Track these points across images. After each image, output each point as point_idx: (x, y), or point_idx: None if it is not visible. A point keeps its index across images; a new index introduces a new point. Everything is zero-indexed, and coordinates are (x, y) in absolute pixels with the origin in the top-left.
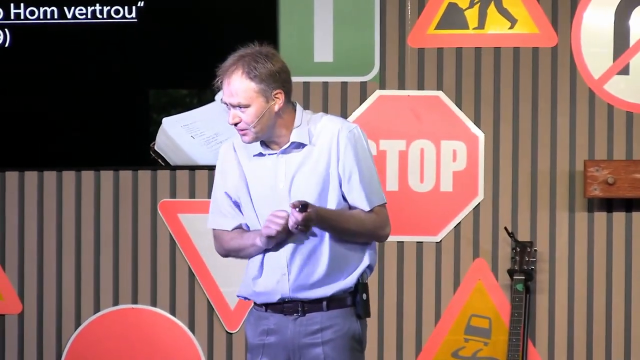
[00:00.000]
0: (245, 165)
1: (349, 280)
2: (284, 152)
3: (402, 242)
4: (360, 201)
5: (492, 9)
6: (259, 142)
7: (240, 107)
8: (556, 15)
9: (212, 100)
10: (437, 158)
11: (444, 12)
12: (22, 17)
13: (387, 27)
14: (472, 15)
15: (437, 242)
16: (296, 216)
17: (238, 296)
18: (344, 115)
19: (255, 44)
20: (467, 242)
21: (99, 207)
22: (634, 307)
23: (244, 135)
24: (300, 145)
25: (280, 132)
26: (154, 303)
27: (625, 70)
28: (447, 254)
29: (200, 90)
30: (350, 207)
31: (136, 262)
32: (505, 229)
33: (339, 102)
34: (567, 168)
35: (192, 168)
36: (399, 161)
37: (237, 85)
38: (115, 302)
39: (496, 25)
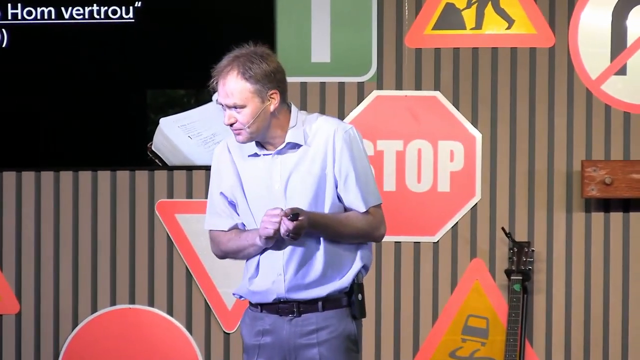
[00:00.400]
0: (240, 166)
1: (345, 281)
2: (280, 152)
3: (400, 242)
4: (356, 202)
5: (489, 10)
6: (254, 143)
7: (236, 108)
8: (553, 16)
9: (210, 100)
10: (435, 158)
11: (442, 12)
12: (19, 17)
13: (384, 27)
14: (469, 16)
15: (434, 242)
16: (287, 225)
17: (234, 294)
18: (342, 115)
19: (250, 44)
20: (465, 242)
21: (96, 207)
22: (631, 307)
23: (238, 135)
24: (295, 146)
25: (276, 132)
26: (151, 303)
27: (622, 71)
28: (445, 254)
29: (197, 91)
30: (346, 208)
31: (133, 262)
32: (503, 229)
33: (337, 103)
34: (565, 168)
35: (190, 168)
36: (397, 161)
37: (233, 85)
38: (113, 302)
39: (493, 26)
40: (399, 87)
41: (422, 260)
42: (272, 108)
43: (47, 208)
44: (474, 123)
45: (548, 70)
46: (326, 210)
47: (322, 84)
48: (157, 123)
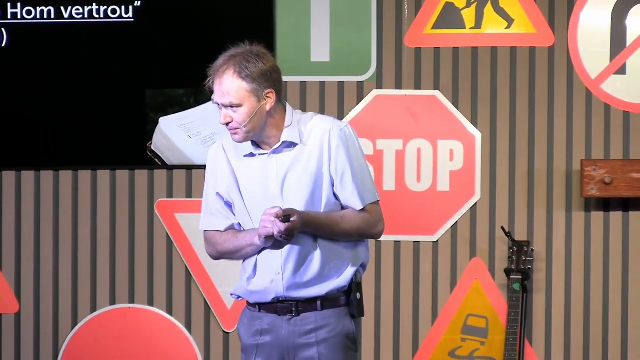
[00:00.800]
0: (236, 166)
1: (343, 279)
2: (275, 151)
3: (399, 241)
4: (352, 200)
5: (488, 9)
6: (249, 142)
7: (232, 107)
8: (553, 15)
9: (209, 99)
10: (434, 157)
11: (441, 11)
12: (19, 16)
13: (384, 26)
14: (469, 15)
15: (434, 242)
16: (279, 226)
17: (232, 295)
18: (341, 114)
19: (246, 43)
20: (464, 242)
21: (96, 207)
22: (630, 307)
23: (234, 134)
24: (291, 145)
25: (271, 132)
26: (150, 302)
27: (622, 70)
28: (444, 254)
29: (197, 90)
30: (343, 206)
31: (133, 262)
32: (502, 228)
33: (336, 102)
34: (564, 167)
35: (189, 168)
36: (396, 161)
37: (229, 85)
38: (112, 302)
39: (493, 25)
40: (398, 86)
41: (422, 260)
42: (268, 107)
43: (46, 207)
44: (474, 122)
45: (548, 70)
46: (323, 209)
47: (322, 83)
48: (157, 122)
